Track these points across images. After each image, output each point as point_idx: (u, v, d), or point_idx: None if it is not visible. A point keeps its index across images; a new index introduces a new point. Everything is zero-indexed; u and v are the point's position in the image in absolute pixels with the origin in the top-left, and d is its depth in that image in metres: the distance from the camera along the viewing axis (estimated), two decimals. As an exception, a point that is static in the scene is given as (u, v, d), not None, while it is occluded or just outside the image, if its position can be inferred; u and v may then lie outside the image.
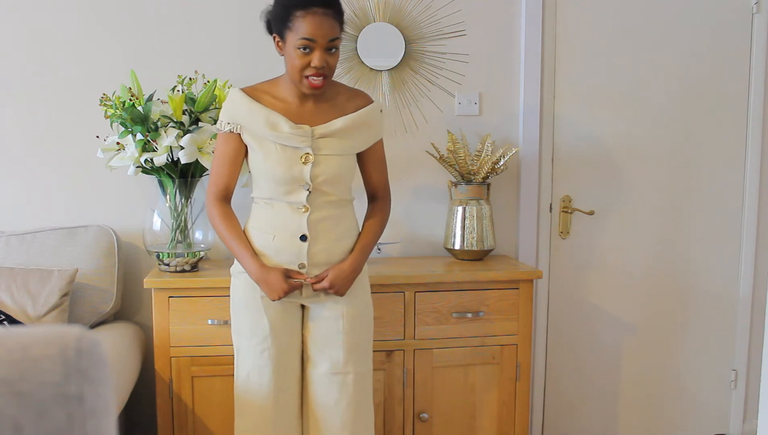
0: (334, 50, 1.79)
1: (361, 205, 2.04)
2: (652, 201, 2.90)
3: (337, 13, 1.79)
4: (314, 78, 1.78)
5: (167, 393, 2.24)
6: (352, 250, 1.93)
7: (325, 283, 1.85)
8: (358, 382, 1.93)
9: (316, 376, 1.92)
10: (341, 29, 1.82)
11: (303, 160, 1.83)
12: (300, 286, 1.86)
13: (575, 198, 2.85)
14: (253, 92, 1.88)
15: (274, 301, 1.85)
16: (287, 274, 1.84)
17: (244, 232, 1.92)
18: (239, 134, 1.87)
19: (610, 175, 2.86)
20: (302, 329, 1.95)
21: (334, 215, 1.89)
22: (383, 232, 2.02)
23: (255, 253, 1.86)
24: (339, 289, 1.87)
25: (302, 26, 1.74)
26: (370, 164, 1.99)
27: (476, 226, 2.57)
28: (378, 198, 2.03)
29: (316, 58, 1.75)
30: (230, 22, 2.58)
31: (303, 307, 1.95)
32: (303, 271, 1.86)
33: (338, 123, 1.86)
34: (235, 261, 1.94)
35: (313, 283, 1.86)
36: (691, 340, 2.98)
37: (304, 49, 1.75)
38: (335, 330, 1.91)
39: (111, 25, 2.53)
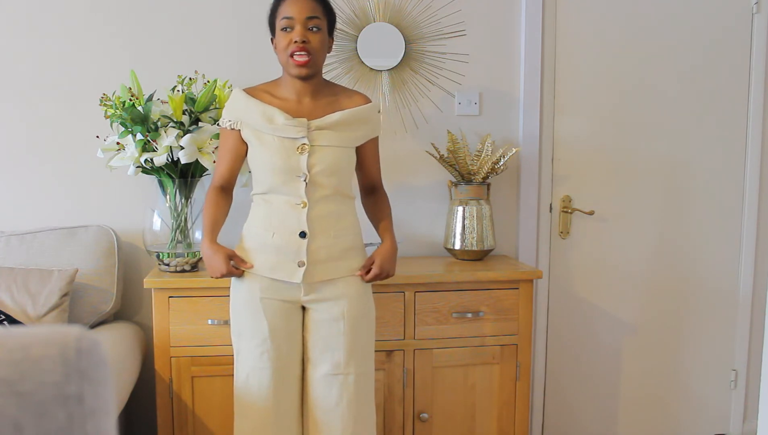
0: (315, 29, 1.84)
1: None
2: (652, 201, 2.90)
3: None
4: (298, 54, 1.84)
5: (167, 393, 2.24)
6: (353, 247, 1.94)
7: (375, 270, 1.92)
8: (359, 383, 1.92)
9: (317, 377, 1.92)
10: (326, 14, 1.88)
11: (299, 150, 1.85)
12: (240, 274, 1.89)
13: (575, 198, 2.85)
14: (252, 91, 1.94)
15: (213, 278, 1.89)
16: (231, 259, 1.88)
17: (242, 232, 1.95)
18: (239, 131, 1.91)
19: (610, 175, 2.87)
20: (303, 331, 1.95)
21: (333, 212, 1.90)
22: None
23: (214, 231, 1.90)
24: (390, 271, 1.97)
25: (283, 10, 1.86)
26: (369, 159, 2.03)
27: (476, 226, 2.57)
28: (377, 188, 2.09)
29: (296, 33, 1.83)
30: (230, 22, 2.58)
31: (303, 308, 1.95)
32: (302, 268, 1.86)
33: (335, 116, 1.89)
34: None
35: (361, 275, 1.93)
36: (691, 340, 2.98)
37: (286, 29, 1.85)
38: (336, 331, 1.90)
39: (111, 25, 2.53)
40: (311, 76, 1.89)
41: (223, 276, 1.88)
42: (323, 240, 1.88)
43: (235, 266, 1.88)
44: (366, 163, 2.03)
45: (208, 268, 1.89)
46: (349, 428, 1.90)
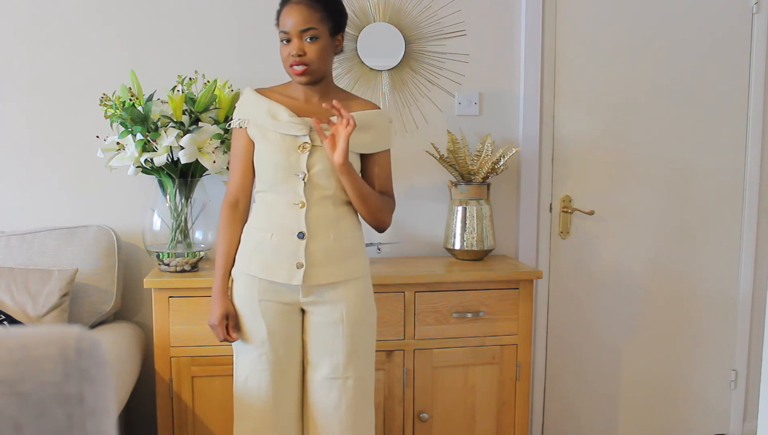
0: (310, 39, 1.83)
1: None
2: (652, 201, 2.90)
3: (314, 3, 1.83)
4: (296, 66, 1.85)
5: (167, 393, 2.24)
6: (353, 249, 1.93)
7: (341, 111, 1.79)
8: (359, 386, 1.91)
9: (316, 380, 1.91)
10: (325, 19, 1.84)
11: (301, 148, 1.85)
12: (224, 338, 1.91)
13: (575, 198, 2.85)
14: (262, 90, 1.96)
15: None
16: (228, 318, 1.90)
17: (242, 231, 1.94)
18: (246, 129, 1.91)
19: (610, 175, 2.86)
20: (302, 334, 1.94)
21: (332, 213, 1.89)
22: (383, 210, 1.95)
23: (226, 267, 1.92)
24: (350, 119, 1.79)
25: (281, 22, 1.87)
26: (378, 172, 1.97)
27: (476, 226, 2.57)
28: (385, 193, 2.00)
29: (292, 47, 1.84)
30: (230, 22, 2.58)
31: (303, 311, 1.95)
32: (301, 270, 1.85)
33: None
34: (236, 263, 1.93)
35: (329, 106, 1.81)
36: (691, 340, 2.98)
37: (285, 41, 1.86)
38: (335, 334, 1.89)
39: (111, 26, 2.53)
40: (314, 82, 1.90)
41: (213, 329, 1.92)
42: (322, 242, 1.87)
43: (228, 329, 1.91)
44: (375, 178, 1.97)
45: (211, 310, 1.92)
46: (348, 432, 1.89)
